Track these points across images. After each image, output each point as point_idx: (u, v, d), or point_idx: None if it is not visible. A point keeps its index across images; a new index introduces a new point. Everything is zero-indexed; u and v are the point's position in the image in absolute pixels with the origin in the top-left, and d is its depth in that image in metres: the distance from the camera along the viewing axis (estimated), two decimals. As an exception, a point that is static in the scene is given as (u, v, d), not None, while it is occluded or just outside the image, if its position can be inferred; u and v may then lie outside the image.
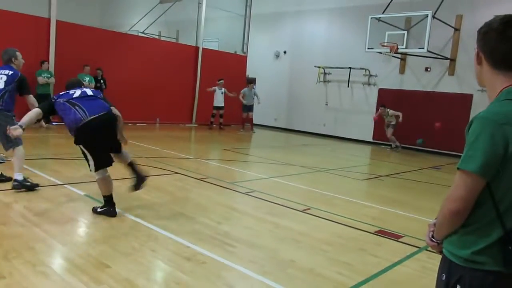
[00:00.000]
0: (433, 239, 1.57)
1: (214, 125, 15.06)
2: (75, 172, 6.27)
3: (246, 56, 17.68)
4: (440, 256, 1.58)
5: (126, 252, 3.44)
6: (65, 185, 5.36)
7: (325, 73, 16.13)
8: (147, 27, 18.03)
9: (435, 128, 11.59)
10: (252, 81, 17.25)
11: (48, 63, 11.45)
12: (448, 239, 1.49)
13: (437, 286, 1.53)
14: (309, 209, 5.29)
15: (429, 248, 4.06)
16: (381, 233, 4.58)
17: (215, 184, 6.22)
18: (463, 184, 1.39)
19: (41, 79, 11.10)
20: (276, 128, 17.34)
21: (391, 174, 8.68)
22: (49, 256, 3.34)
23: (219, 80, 14.84)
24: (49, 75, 11.29)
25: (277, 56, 17.68)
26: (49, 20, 11.66)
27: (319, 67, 16.06)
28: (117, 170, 6.47)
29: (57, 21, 11.75)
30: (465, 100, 12.64)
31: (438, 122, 10.21)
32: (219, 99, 14.89)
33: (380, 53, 13.27)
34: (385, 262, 3.74)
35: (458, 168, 1.41)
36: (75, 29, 12.26)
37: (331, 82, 16.09)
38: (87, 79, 11.92)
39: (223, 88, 14.93)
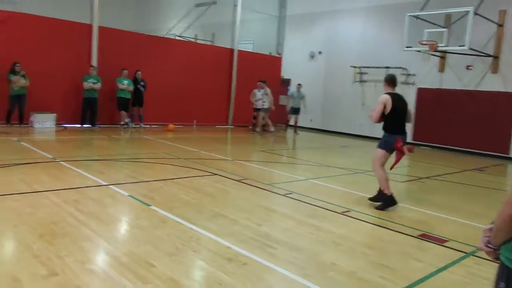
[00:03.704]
0: (489, 245, 1.51)
1: (257, 129, 15.13)
2: (118, 173, 6.47)
3: (281, 57, 17.68)
4: (490, 263, 1.53)
5: (169, 252, 3.53)
6: (109, 186, 5.54)
7: (361, 73, 15.89)
8: (184, 31, 18.37)
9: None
10: (286, 82, 17.24)
11: (91, 68, 11.87)
12: (506, 245, 1.44)
13: None
14: (348, 211, 5.23)
15: (477, 254, 3.95)
16: (425, 237, 4.46)
17: (254, 186, 6.25)
18: None
19: (86, 85, 11.55)
20: (312, 129, 17.24)
21: (432, 176, 8.45)
22: (97, 254, 3.47)
23: (258, 82, 14.92)
24: (96, 81, 11.72)
25: (312, 56, 17.57)
26: (91, 26, 12.10)
27: (355, 67, 15.84)
28: (157, 172, 6.65)
29: (99, 27, 12.18)
30: (510, 99, 12.11)
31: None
32: (259, 102, 14.94)
33: (419, 51, 12.91)
34: (430, 267, 3.65)
35: None
36: (115, 34, 12.66)
37: (367, 82, 15.83)
38: (126, 82, 12.29)
39: (262, 90, 14.98)
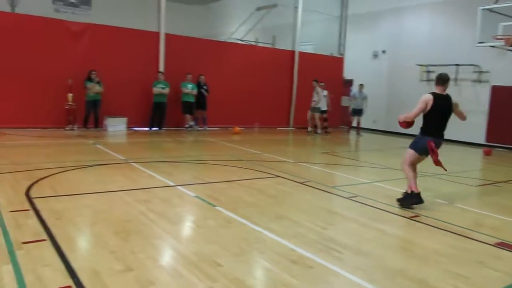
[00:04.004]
0: None
1: (319, 131, 15.06)
2: (185, 174, 6.72)
3: (343, 58, 17.39)
4: None
5: (235, 252, 3.60)
6: (177, 187, 5.77)
7: (428, 71, 15.19)
8: (245, 34, 18.66)
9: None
10: (348, 82, 16.91)
11: (159, 74, 12.44)
12: None
13: None
14: (417, 216, 5.03)
15: None
16: (502, 245, 4.18)
17: (316, 188, 6.21)
18: None
19: (155, 90, 12.14)
20: (375, 131, 16.76)
21: (510, 180, 7.88)
22: (167, 252, 3.62)
23: (320, 83, 14.82)
24: (164, 86, 12.28)
25: (376, 56, 17.08)
26: (158, 33, 12.69)
27: (421, 65, 15.18)
28: (221, 173, 6.81)
29: (166, 34, 12.74)
30: None
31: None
32: (322, 103, 14.84)
33: (493, 47, 12.11)
34: (509, 278, 3.41)
35: None
36: (180, 41, 13.16)
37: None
38: (190, 86, 12.74)
39: (325, 91, 14.86)
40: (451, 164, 10.01)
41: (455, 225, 4.73)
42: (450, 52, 14.26)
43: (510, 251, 4.05)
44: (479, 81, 13.80)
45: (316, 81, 14.40)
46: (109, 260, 3.27)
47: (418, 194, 5.37)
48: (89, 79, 11.25)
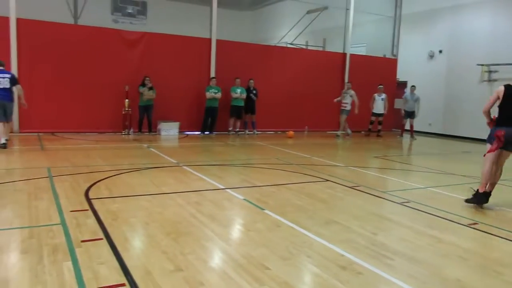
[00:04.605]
0: None
1: (372, 133, 14.75)
2: (234, 177, 6.80)
3: (396, 59, 16.89)
4: None
5: (283, 256, 3.59)
6: (226, 190, 5.85)
7: (489, 71, 14.37)
8: (295, 38, 18.61)
9: None
10: (402, 84, 16.39)
11: (212, 79, 12.71)
12: None
13: None
14: (476, 224, 4.76)
15: None
16: None
17: (367, 193, 6.06)
18: None
19: (208, 94, 12.42)
20: (431, 134, 16.08)
21: None
22: (217, 254, 3.68)
23: (379, 86, 14.51)
24: (216, 90, 12.55)
25: (431, 56, 16.41)
26: (210, 40, 12.98)
27: (482, 65, 14.39)
28: (270, 177, 6.81)
29: (217, 40, 13.01)
30: None
31: None
32: (378, 106, 14.50)
33: None
34: None
35: None
36: (231, 46, 13.39)
37: (497, 81, 14.23)
38: (239, 90, 12.89)
39: (383, 94, 14.52)
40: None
41: (519, 234, 4.43)
42: (514, 50, 13.42)
43: None
44: (546, 80, 12.85)
45: (349, 83, 14.09)
46: (161, 260, 3.37)
47: (483, 193, 5.33)
48: (143, 85, 11.72)
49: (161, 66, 12.32)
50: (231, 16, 20.80)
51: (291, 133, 13.19)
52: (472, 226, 4.69)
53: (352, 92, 13.89)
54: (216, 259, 3.57)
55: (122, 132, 11.83)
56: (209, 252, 3.68)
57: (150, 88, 11.75)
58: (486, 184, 5.41)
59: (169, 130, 12.21)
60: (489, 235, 4.42)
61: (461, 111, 15.36)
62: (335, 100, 14.11)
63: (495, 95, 5.50)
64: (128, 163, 7.50)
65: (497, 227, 4.66)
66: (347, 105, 13.90)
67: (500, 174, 5.64)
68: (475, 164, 9.59)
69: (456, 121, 15.56)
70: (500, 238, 4.32)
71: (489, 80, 14.45)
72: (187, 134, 12.57)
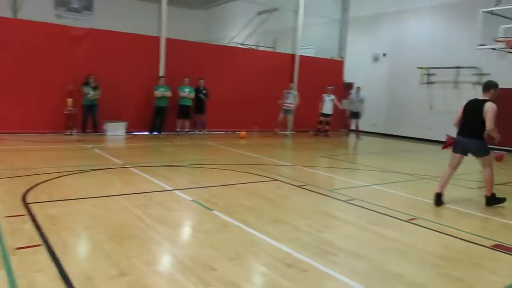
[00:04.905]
0: None
1: (320, 133, 15.07)
2: (182, 178, 6.71)
3: (343, 61, 17.40)
4: None
5: (231, 256, 3.58)
6: (174, 191, 5.76)
7: (428, 74, 15.17)
8: (246, 38, 18.69)
9: None
10: (349, 86, 16.92)
11: (160, 78, 12.45)
12: None
13: None
14: (415, 219, 5.00)
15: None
16: (499, 247, 4.15)
17: (314, 192, 6.19)
18: None
19: (157, 93, 12.16)
20: (375, 134, 16.74)
21: (508, 183, 7.85)
22: (163, 256, 3.61)
23: (328, 87, 14.85)
24: (165, 89, 12.33)
25: (376, 59, 17.08)
26: (159, 38, 12.73)
27: (422, 68, 15.17)
28: (219, 177, 6.79)
29: (166, 39, 12.77)
30: None
31: None
32: (327, 106, 14.83)
33: (494, 49, 12.09)
34: (507, 280, 3.39)
35: None
36: (180, 45, 13.18)
37: (435, 84, 15.08)
38: (187, 90, 12.75)
39: (332, 95, 14.88)
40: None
41: (453, 228, 4.71)
42: (451, 54, 14.26)
43: (507, 253, 4.02)
44: (479, 83, 13.74)
45: (292, 83, 14.32)
46: (104, 265, 3.25)
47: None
48: (86, 84, 11.29)
49: (107, 64, 11.91)
50: (181, 14, 20.49)
51: (243, 133, 13.21)
52: (412, 221, 4.92)
53: (295, 92, 14.15)
54: (162, 262, 3.50)
55: (65, 133, 11.31)
56: (155, 255, 3.60)
57: (94, 88, 11.33)
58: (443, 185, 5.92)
59: (115, 130, 11.84)
60: (427, 229, 4.66)
61: (403, 112, 16.11)
62: (280, 101, 14.24)
63: (461, 109, 5.98)
64: (71, 165, 7.18)
65: (434, 222, 4.92)
66: (291, 105, 14.14)
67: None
68: (415, 162, 10.10)
69: (398, 121, 16.29)
70: (437, 232, 4.56)
71: (428, 83, 15.27)
72: (135, 135, 12.25)
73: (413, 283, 3.26)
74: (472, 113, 5.74)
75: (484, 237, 4.44)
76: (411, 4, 15.61)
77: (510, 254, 3.99)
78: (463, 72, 13.96)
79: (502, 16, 11.43)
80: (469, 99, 6.01)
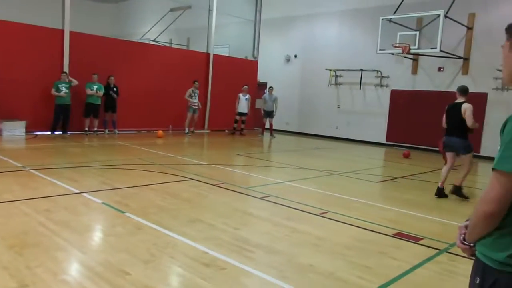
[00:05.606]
0: (465, 242, 1.52)
1: (236, 131, 15.17)
2: (92, 180, 6.32)
3: (257, 61, 17.73)
4: (463, 259, 1.55)
5: (145, 259, 3.45)
6: (82, 194, 5.41)
7: (336, 76, 16.08)
8: (158, 35, 18.21)
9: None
10: (263, 85, 17.30)
11: (63, 74, 11.58)
12: (481, 241, 1.45)
13: None
14: (326, 213, 5.26)
15: (450, 250, 4.02)
16: (400, 235, 4.52)
17: (230, 190, 6.22)
18: (498, 185, 1.35)
19: (54, 91, 11.26)
20: (288, 132, 17.34)
21: (407, 176, 8.60)
22: (70, 264, 3.37)
23: (244, 86, 14.94)
24: (67, 85, 11.45)
25: (288, 60, 17.69)
26: (63, 31, 11.86)
27: (330, 69, 16.02)
28: (132, 178, 6.54)
29: (71, 32, 11.94)
30: (480, 99, 12.46)
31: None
32: (242, 106, 14.94)
33: (392, 54, 13.18)
34: (406, 265, 3.70)
35: (493, 169, 1.37)
36: (87, 39, 12.43)
37: (342, 85, 16.04)
38: (95, 87, 12.05)
39: (247, 95, 15.02)
40: (357, 162, 10.69)
41: (359, 219, 5.03)
42: (356, 58, 15.25)
43: (407, 240, 4.39)
44: (380, 85, 14.92)
45: (195, 81, 14.19)
46: (2, 278, 2.94)
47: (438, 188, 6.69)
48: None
49: (3, 57, 10.81)
50: (89, 7, 19.39)
51: (160, 132, 12.83)
52: (322, 215, 5.17)
53: (197, 91, 14.12)
54: (70, 270, 3.26)
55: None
56: (61, 263, 3.34)
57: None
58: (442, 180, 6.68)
59: (13, 130, 10.80)
60: (336, 222, 4.93)
61: (313, 112, 16.90)
62: (188, 99, 14.03)
63: (444, 113, 6.64)
64: (-41, 168, 6.41)
65: (342, 214, 5.21)
66: (196, 104, 14.07)
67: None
68: (326, 159, 10.64)
69: (310, 120, 17.05)
70: (346, 224, 4.84)
71: (336, 84, 16.18)
72: (37, 135, 11.28)
73: (323, 273, 3.42)
74: (453, 114, 6.44)
75: (387, 227, 4.81)
76: (320, 8, 16.41)
77: (409, 241, 4.36)
78: (366, 74, 15.01)
79: (399, 24, 12.49)
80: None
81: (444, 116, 6.67)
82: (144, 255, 3.52)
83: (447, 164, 6.75)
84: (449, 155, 6.70)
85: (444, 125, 6.70)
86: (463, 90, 6.54)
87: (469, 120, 6.27)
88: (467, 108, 6.28)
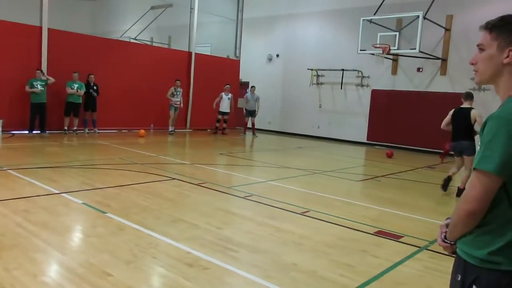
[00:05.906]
0: (446, 240, 1.56)
1: (219, 130, 15.11)
2: (71, 180, 6.22)
3: (239, 60, 17.71)
4: (443, 256, 1.58)
5: (127, 259, 3.42)
6: (62, 194, 5.31)
7: (318, 76, 16.19)
8: (139, 33, 18.00)
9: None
10: (245, 85, 17.29)
11: (38, 72, 11.32)
12: (462, 239, 1.48)
13: (452, 286, 1.52)
14: (308, 211, 5.29)
15: (430, 248, 4.10)
16: (381, 233, 4.59)
17: (213, 189, 6.20)
18: (479, 184, 1.38)
19: (28, 88, 11.02)
20: (270, 131, 17.38)
21: (387, 175, 8.72)
22: (50, 266, 3.31)
23: (226, 86, 14.88)
24: (43, 83, 11.21)
25: (270, 59, 17.73)
26: (40, 28, 11.60)
27: (312, 69, 16.12)
28: (114, 178, 6.46)
29: (49, 29, 11.70)
30: (458, 99, 12.64)
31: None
32: (224, 105, 14.89)
33: (373, 54, 13.35)
34: (387, 262, 3.75)
35: (474, 169, 1.41)
36: (66, 37, 12.20)
37: (324, 84, 16.15)
38: (76, 86, 11.84)
39: (230, 94, 14.97)
40: (339, 161, 10.78)
41: (341, 218, 5.08)
42: (337, 58, 15.38)
43: (387, 238, 4.46)
44: (361, 85, 15.09)
45: (177, 80, 14.05)
46: (-23, 281, 2.87)
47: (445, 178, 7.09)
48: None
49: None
50: (68, 4, 18.99)
51: (142, 131, 12.68)
52: (305, 214, 5.20)
53: (180, 89, 14.02)
54: (49, 272, 3.20)
55: None
56: (41, 264, 3.28)
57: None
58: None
59: (-11, 129, 10.53)
60: (319, 220, 4.96)
61: (295, 111, 16.98)
62: (170, 98, 13.93)
63: (448, 116, 6.89)
64: None
65: (324, 213, 5.26)
66: (178, 102, 13.98)
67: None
68: (308, 159, 10.70)
69: (291, 119, 17.13)
70: (328, 223, 4.89)
71: (317, 83, 16.29)
72: (14, 134, 11.02)
73: (306, 271, 3.44)
74: (461, 119, 6.68)
75: (368, 225, 4.87)
76: (302, 8, 16.49)
77: (390, 239, 4.43)
78: (347, 74, 15.16)
79: (380, 25, 12.66)
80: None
81: (447, 119, 6.88)
82: (126, 256, 3.48)
83: (455, 167, 7.07)
84: (457, 159, 6.99)
85: (444, 127, 6.95)
86: (470, 96, 6.83)
87: (478, 127, 6.57)
88: (478, 115, 6.61)
